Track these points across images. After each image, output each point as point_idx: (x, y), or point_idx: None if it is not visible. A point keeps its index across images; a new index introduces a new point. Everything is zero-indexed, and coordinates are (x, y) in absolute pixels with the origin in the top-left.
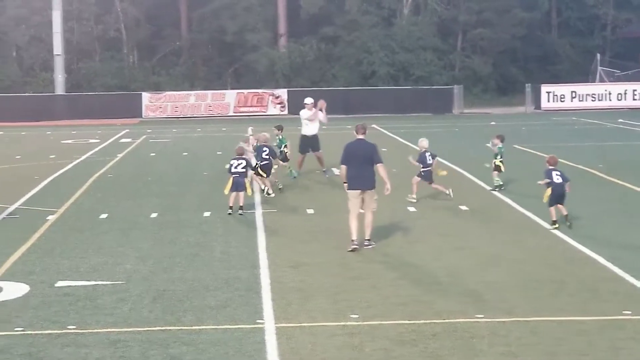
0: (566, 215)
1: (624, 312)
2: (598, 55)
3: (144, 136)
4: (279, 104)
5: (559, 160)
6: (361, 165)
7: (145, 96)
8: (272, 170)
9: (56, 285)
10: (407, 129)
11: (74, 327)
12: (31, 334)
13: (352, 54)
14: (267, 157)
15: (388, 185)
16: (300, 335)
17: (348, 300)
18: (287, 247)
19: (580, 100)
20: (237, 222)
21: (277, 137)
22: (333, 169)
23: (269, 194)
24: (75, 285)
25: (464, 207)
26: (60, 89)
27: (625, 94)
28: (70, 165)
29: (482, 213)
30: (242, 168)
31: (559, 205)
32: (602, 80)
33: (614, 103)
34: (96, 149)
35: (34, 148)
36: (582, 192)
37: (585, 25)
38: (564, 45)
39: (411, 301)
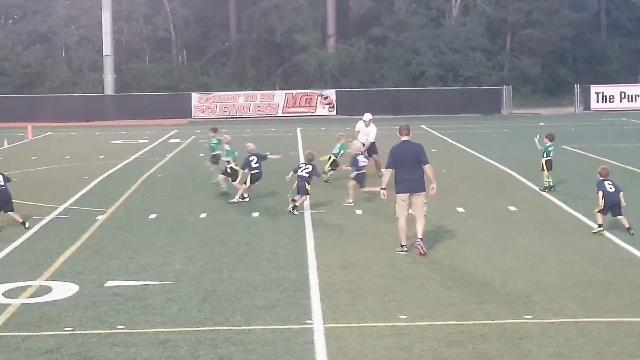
0: (628, 228)
1: None
2: None
3: (193, 136)
4: (327, 104)
5: (609, 161)
6: (410, 167)
7: (195, 96)
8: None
9: (105, 285)
10: (456, 130)
11: (123, 326)
12: (80, 333)
13: (401, 55)
14: (257, 165)
15: (434, 185)
16: (348, 335)
17: (397, 300)
18: (335, 247)
19: (629, 101)
20: (286, 222)
21: (211, 140)
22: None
23: (243, 198)
24: (124, 285)
25: (513, 208)
26: (109, 89)
27: None
28: (119, 166)
29: (531, 214)
30: (306, 173)
31: (619, 217)
32: None
33: None
34: (145, 149)
35: (84, 148)
36: (631, 194)
37: (635, 25)
38: (613, 45)
39: (460, 302)
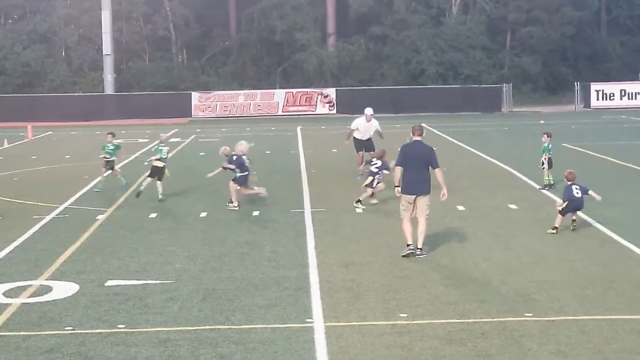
0: (574, 220)
1: None
2: None
3: (193, 136)
4: (327, 103)
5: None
6: (418, 169)
7: (195, 96)
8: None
9: (106, 284)
10: (456, 128)
11: (124, 326)
12: (81, 333)
13: (401, 53)
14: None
15: (444, 191)
16: (349, 334)
17: (397, 299)
18: (336, 246)
19: (630, 99)
20: (287, 221)
21: (107, 145)
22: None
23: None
24: (124, 285)
25: (513, 206)
26: (109, 88)
27: None
28: (119, 165)
29: (531, 212)
30: (376, 168)
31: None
32: None
33: None
34: (145, 149)
35: (84, 148)
36: (632, 192)
37: (635, 23)
38: (613, 43)
39: (460, 300)
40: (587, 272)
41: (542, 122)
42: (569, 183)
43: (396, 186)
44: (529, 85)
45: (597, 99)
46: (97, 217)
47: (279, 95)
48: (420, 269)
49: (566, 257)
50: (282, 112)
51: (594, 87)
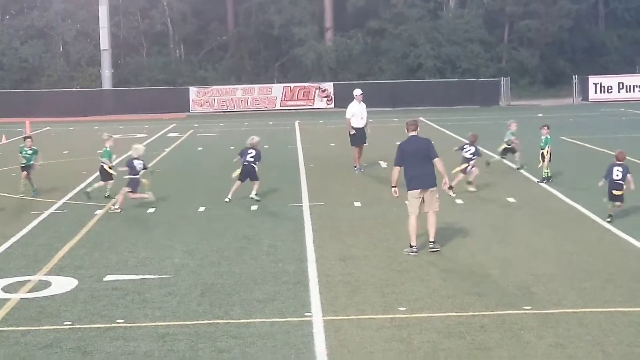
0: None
1: None
2: None
3: (191, 130)
4: (325, 97)
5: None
6: (419, 163)
7: (192, 91)
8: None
9: (104, 279)
10: (454, 122)
11: (123, 321)
12: (80, 327)
13: (399, 47)
14: (252, 159)
15: (446, 179)
16: (348, 328)
17: (396, 293)
18: (334, 240)
19: (627, 92)
20: (285, 216)
21: (25, 149)
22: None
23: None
24: (123, 279)
25: (511, 200)
26: (107, 84)
27: None
28: (117, 160)
29: (530, 205)
30: (470, 154)
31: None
32: None
33: None
34: (144, 144)
35: (82, 143)
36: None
37: (633, 16)
38: (611, 36)
39: (459, 293)
40: (585, 265)
41: (540, 115)
42: (614, 163)
43: (393, 187)
44: (527, 79)
45: (595, 92)
46: (95, 212)
47: (277, 89)
48: (418, 263)
49: (565, 250)
50: (280, 106)
51: (592, 80)
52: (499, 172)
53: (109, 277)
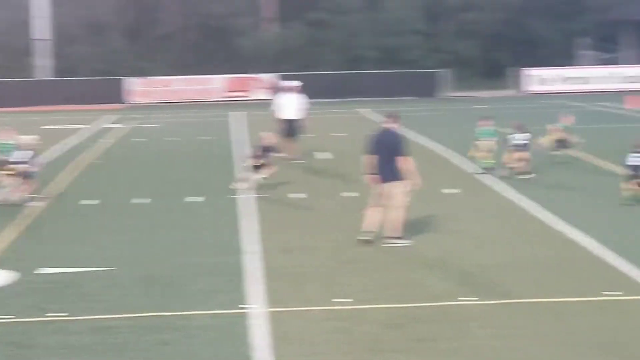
0: None
1: (612, 293)
2: (582, 39)
3: (133, 122)
4: (266, 88)
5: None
6: (384, 156)
7: (133, 81)
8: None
9: (44, 272)
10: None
11: (63, 314)
12: (19, 321)
13: (340, 38)
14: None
15: (415, 180)
16: (290, 319)
17: (340, 284)
18: (278, 231)
19: (565, 84)
20: (229, 207)
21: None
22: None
23: None
24: (64, 272)
25: (454, 190)
26: (46, 74)
27: (608, 77)
28: (58, 152)
29: (472, 196)
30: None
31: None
32: (586, 64)
33: (597, 86)
34: (85, 135)
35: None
36: (573, 177)
37: (570, 9)
38: (549, 28)
39: (403, 284)
40: (529, 256)
41: (480, 106)
42: (633, 149)
43: (366, 174)
44: (467, 70)
45: (534, 84)
46: (35, 204)
47: (218, 80)
48: (363, 254)
49: (509, 241)
50: (221, 97)
51: (531, 72)
52: (440, 163)
53: (48, 270)
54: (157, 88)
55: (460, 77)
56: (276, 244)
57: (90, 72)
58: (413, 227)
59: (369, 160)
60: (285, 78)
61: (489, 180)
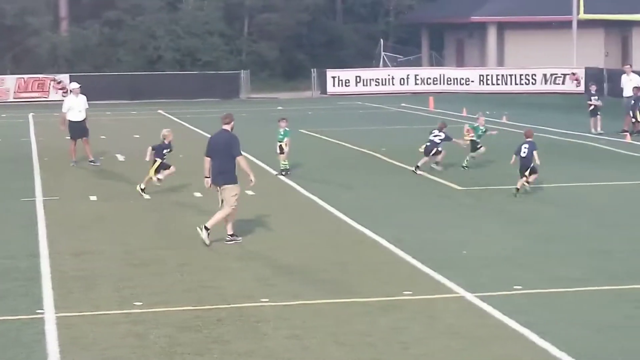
0: (527, 182)
1: (404, 292)
2: (381, 41)
3: None
4: (61, 89)
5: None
6: (221, 158)
7: None
8: None
9: None
10: (194, 115)
11: None
12: None
13: (137, 39)
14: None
15: (252, 177)
16: (81, 324)
17: (131, 287)
18: (69, 235)
19: (364, 85)
20: (16, 209)
21: None
22: None
23: None
24: None
25: (250, 192)
26: None
27: (407, 78)
28: None
29: (269, 197)
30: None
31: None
32: (385, 65)
33: (397, 88)
34: None
35: None
36: (366, 176)
37: (369, 11)
38: (348, 30)
39: (196, 287)
40: (322, 257)
41: (280, 108)
42: (525, 140)
43: (205, 177)
44: (267, 72)
45: (334, 85)
46: None
47: (10, 81)
48: (154, 257)
49: (303, 242)
50: (14, 98)
51: (330, 73)
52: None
53: None
54: None
55: (261, 79)
56: (66, 248)
57: None
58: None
59: (206, 163)
60: (81, 79)
61: (291, 180)
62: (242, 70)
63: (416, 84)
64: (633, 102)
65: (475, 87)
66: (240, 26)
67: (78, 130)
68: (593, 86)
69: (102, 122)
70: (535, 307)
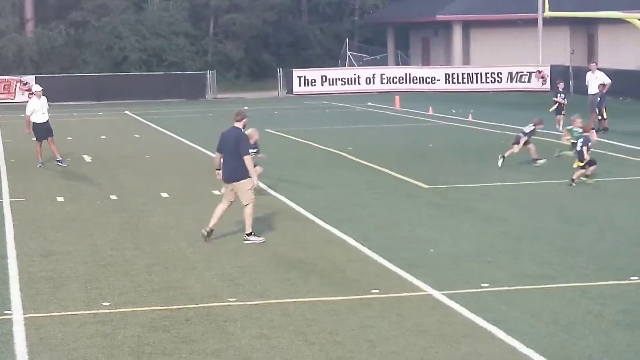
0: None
1: (372, 290)
2: (347, 40)
3: None
4: (27, 90)
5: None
6: (228, 155)
7: None
8: None
9: None
10: (161, 115)
11: None
12: None
13: (103, 40)
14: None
15: (255, 178)
16: (50, 325)
17: (99, 288)
18: (36, 236)
19: (330, 85)
20: None
21: None
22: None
23: None
24: None
25: (217, 192)
26: None
27: (373, 78)
28: None
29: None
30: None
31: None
32: (351, 65)
33: (363, 87)
34: None
35: None
36: (332, 175)
37: (334, 10)
38: (314, 30)
39: (164, 287)
40: (289, 256)
41: (246, 108)
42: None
43: (217, 169)
44: (233, 72)
45: (300, 85)
46: None
47: None
48: (123, 257)
49: (270, 242)
50: None
51: (296, 73)
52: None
53: None
54: None
55: (227, 79)
56: (33, 248)
57: None
58: (174, 227)
59: (216, 157)
60: (47, 80)
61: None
62: (208, 71)
63: (382, 83)
64: (599, 99)
65: (441, 85)
66: (206, 26)
67: (43, 131)
68: (561, 83)
69: (68, 123)
70: (502, 305)
